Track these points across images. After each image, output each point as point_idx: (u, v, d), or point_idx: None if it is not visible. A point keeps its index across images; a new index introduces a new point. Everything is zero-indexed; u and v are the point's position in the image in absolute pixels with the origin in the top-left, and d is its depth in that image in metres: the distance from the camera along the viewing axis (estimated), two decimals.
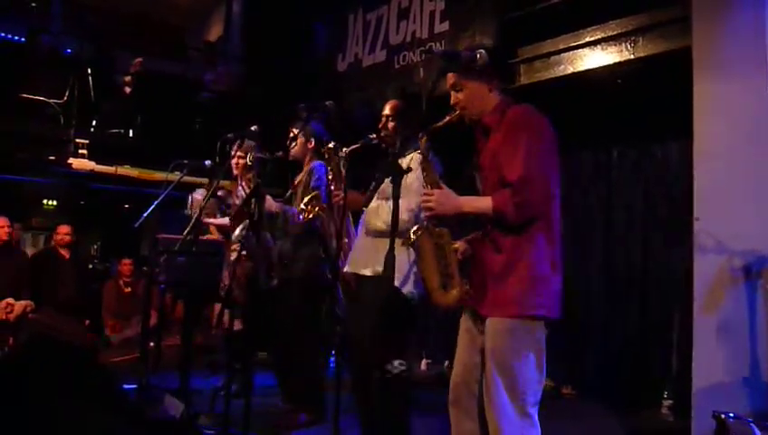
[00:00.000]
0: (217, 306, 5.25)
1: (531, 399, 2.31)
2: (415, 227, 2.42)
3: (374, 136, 3.34)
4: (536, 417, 2.32)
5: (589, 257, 5.35)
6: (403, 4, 6.06)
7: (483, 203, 2.35)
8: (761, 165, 3.35)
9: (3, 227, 5.91)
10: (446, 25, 5.57)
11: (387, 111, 3.39)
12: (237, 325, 4.17)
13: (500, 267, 2.34)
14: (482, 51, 2.42)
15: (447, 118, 2.49)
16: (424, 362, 6.11)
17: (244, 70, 8.52)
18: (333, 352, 5.12)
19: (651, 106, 4.78)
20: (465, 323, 2.49)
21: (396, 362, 3.04)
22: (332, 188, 3.48)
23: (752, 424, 2.54)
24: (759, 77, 3.21)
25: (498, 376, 2.28)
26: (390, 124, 3.34)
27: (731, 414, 2.62)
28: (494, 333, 2.33)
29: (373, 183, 3.32)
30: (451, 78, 2.48)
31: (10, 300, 5.54)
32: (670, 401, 4.57)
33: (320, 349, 4.20)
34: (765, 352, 3.28)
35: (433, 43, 5.65)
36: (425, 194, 2.40)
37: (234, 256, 4.02)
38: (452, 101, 2.50)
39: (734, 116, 3.45)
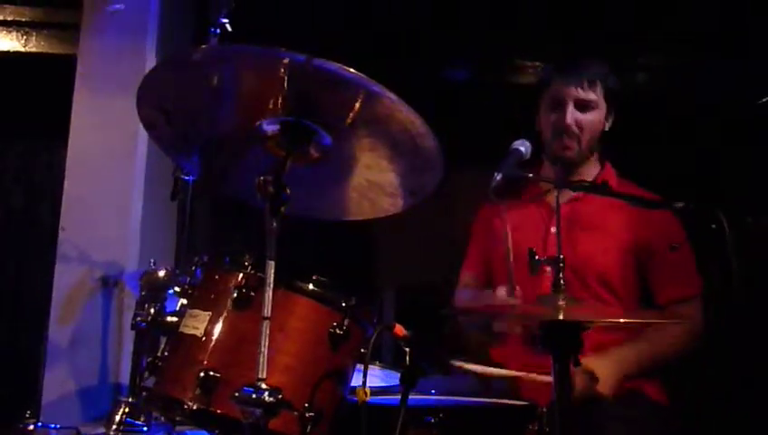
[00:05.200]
0: None
1: None
2: None
3: None
4: None
5: None
6: None
7: None
8: (126, 178, 3.57)
9: None
10: None
11: None
12: None
13: None
14: None
15: None
16: None
17: None
18: None
19: (43, 107, 4.57)
20: None
21: None
22: None
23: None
24: (131, 98, 3.35)
25: None
26: None
27: (54, 425, 2.58)
28: None
29: None
30: None
31: None
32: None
33: None
34: (115, 358, 3.44)
35: None
36: None
37: None
38: None
39: (108, 130, 3.58)
